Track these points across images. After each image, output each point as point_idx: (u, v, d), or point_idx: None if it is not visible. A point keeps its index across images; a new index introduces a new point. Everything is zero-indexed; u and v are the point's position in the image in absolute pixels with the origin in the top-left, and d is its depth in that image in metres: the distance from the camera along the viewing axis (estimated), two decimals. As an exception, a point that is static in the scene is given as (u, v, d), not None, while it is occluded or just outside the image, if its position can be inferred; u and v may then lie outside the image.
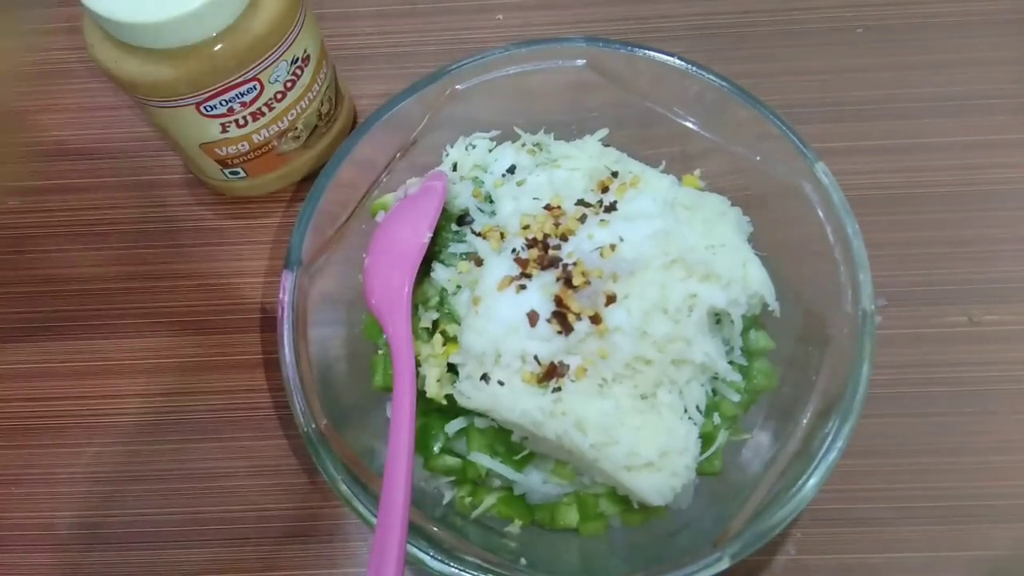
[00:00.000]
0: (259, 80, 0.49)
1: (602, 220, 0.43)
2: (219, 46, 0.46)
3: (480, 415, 0.43)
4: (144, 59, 0.46)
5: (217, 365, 0.55)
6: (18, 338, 0.57)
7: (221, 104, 0.49)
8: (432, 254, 0.46)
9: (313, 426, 0.42)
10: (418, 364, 0.43)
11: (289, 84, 0.51)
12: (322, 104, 0.56)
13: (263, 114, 0.52)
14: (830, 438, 0.39)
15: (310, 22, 0.51)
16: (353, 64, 0.64)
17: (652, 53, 0.49)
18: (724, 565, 0.37)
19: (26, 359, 0.56)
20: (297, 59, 0.51)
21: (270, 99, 0.51)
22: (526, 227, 0.43)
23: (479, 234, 0.45)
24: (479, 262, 0.44)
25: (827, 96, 0.61)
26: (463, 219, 0.46)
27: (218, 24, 0.45)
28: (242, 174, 0.56)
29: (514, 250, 0.43)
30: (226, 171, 0.56)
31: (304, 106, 0.54)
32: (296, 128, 0.55)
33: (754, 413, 0.46)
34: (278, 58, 0.49)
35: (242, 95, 0.49)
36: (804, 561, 0.47)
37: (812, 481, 0.38)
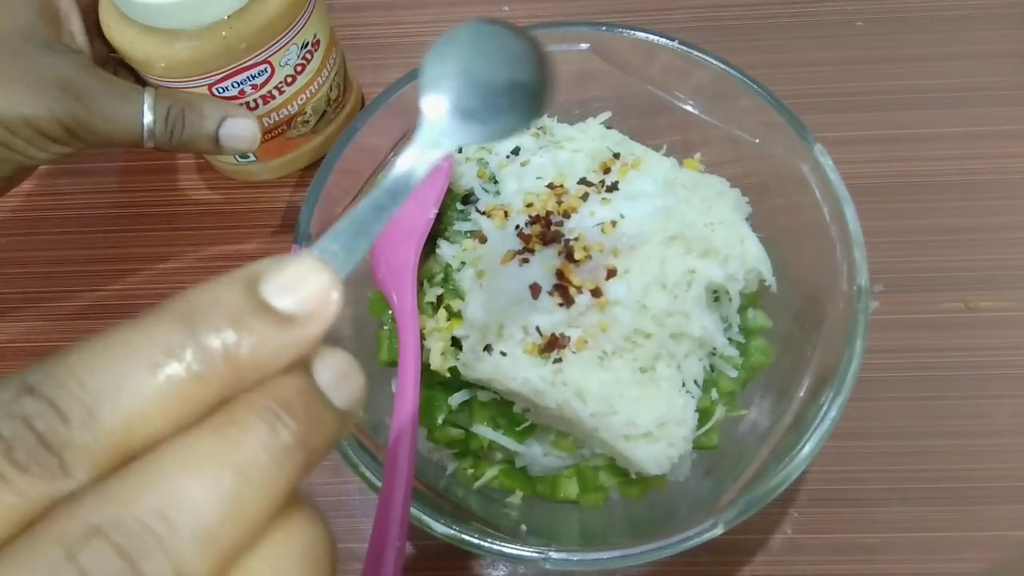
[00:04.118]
0: (270, 63, 0.50)
1: (604, 198, 0.44)
2: (231, 28, 0.47)
3: (483, 388, 0.44)
4: (159, 40, 0.47)
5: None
6: (30, 318, 0.58)
7: (233, 86, 0.50)
8: (437, 233, 0.47)
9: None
10: (423, 338, 0.44)
11: (299, 68, 0.52)
12: (331, 90, 0.57)
13: (273, 97, 0.53)
14: (824, 408, 0.39)
15: (320, 8, 0.52)
16: (361, 53, 0.65)
17: (655, 37, 0.50)
18: (718, 531, 0.38)
19: (37, 338, 0.57)
20: (307, 44, 0.52)
21: (280, 83, 0.52)
22: (529, 205, 0.44)
23: (484, 213, 0.46)
24: (483, 240, 0.45)
25: (826, 87, 0.62)
26: (468, 199, 0.47)
27: (230, 6, 0.46)
28: (252, 158, 0.57)
29: (517, 226, 0.44)
30: (236, 155, 0.57)
31: (313, 91, 0.55)
32: (305, 113, 0.56)
33: (751, 390, 0.46)
34: (289, 42, 0.50)
35: (253, 77, 0.50)
36: (800, 540, 0.48)
37: (805, 450, 0.39)
